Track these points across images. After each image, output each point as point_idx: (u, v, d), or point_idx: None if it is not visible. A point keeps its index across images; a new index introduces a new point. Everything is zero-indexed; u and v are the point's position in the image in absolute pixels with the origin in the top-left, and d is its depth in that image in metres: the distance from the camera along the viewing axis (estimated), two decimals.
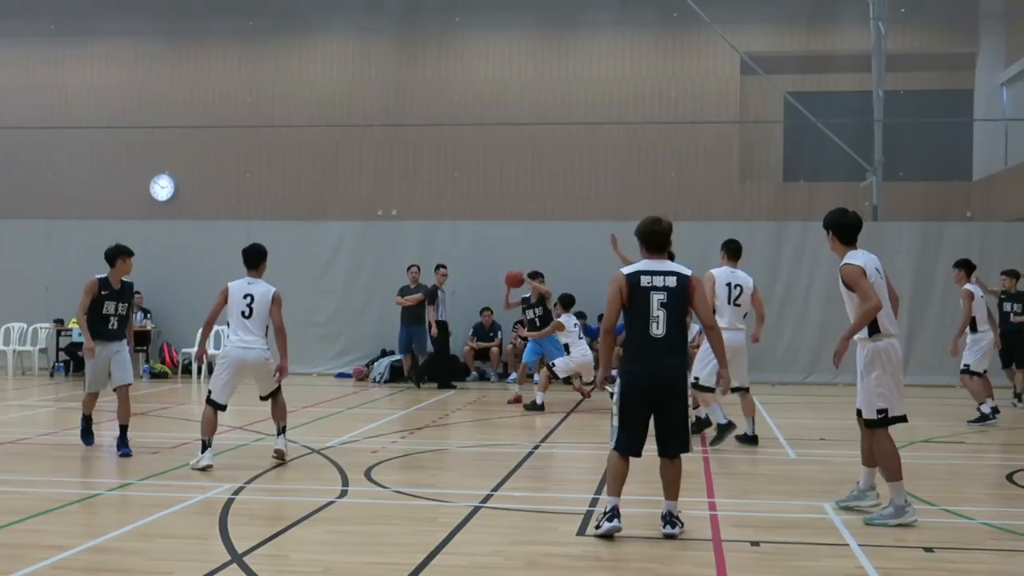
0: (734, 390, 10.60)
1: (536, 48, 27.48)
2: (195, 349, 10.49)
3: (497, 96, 26.95)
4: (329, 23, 27.40)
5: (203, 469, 9.36)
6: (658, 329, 6.88)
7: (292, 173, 26.96)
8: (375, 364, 19.17)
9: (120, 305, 10.33)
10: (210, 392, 9.85)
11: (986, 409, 13.28)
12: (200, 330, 10.40)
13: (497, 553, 6.68)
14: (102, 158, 27.01)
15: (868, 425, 7.69)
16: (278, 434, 10.06)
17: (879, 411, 7.61)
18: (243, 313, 9.95)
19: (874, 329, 7.53)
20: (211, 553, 6.54)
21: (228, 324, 10.14)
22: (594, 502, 8.15)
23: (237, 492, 8.41)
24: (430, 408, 14.99)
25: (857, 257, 7.70)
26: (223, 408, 9.85)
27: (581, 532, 7.25)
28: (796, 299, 19.20)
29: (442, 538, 6.96)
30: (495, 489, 8.65)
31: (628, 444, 7.02)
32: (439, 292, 18.10)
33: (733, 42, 22.78)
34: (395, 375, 18.75)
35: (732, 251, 11.41)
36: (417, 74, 27.26)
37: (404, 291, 18.78)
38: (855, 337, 7.61)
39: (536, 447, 11.13)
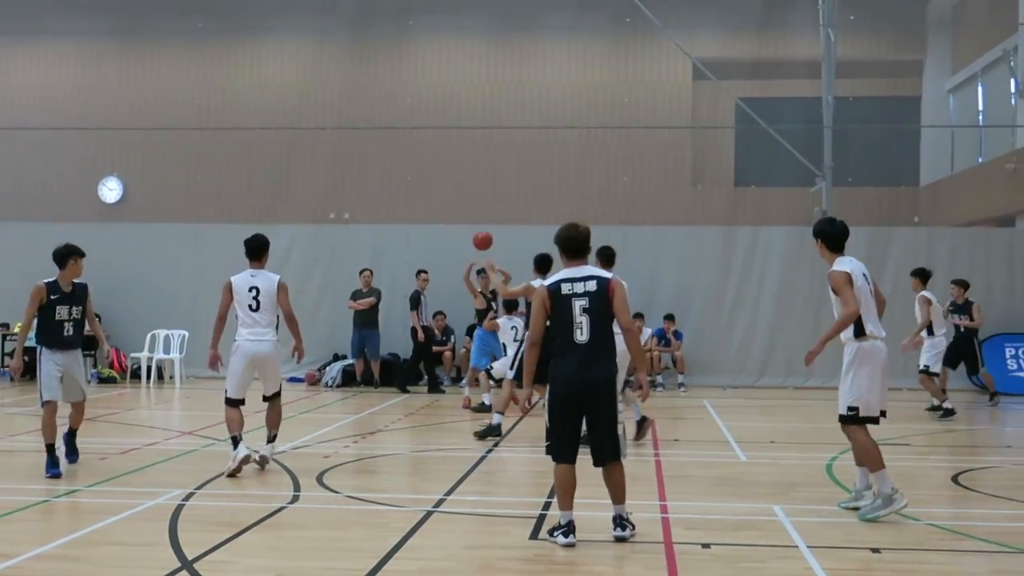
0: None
1: (490, 52, 27.51)
2: (209, 354, 10.19)
3: (451, 100, 26.94)
4: (281, 25, 27.24)
5: (239, 467, 9.32)
6: (582, 335, 6.88)
7: (243, 176, 26.77)
8: (327, 368, 19.06)
9: (74, 309, 9.59)
10: (226, 391, 9.83)
11: (948, 405, 14.15)
12: (212, 335, 10.28)
13: (450, 557, 6.68)
14: (49, 159, 26.64)
15: (840, 420, 7.89)
16: (268, 441, 10.01)
17: (850, 408, 7.80)
18: (250, 306, 9.96)
19: (859, 331, 7.79)
20: (161, 560, 6.47)
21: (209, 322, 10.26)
22: (547, 505, 8.16)
23: (187, 498, 8.33)
24: (383, 412, 14.93)
25: (844, 264, 7.89)
26: (242, 403, 9.80)
27: (534, 536, 7.26)
28: (746, 303, 19.34)
29: (394, 543, 6.94)
30: (448, 493, 8.64)
31: (560, 451, 7.00)
32: (421, 297, 18.00)
33: (685, 48, 22.93)
34: (347, 379, 18.66)
35: (607, 258, 11.25)
36: (370, 77, 27.18)
37: (356, 295, 18.70)
38: (841, 337, 7.84)
39: (489, 451, 11.13)
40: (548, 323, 7.01)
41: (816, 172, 22.21)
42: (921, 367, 14.51)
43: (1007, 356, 18.41)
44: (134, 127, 25.53)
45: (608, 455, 7.02)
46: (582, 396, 6.91)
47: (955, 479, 9.62)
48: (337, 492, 8.71)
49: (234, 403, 9.75)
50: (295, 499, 8.42)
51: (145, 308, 19.78)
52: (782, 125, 23.10)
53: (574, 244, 7.11)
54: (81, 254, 9.77)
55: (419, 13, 26.81)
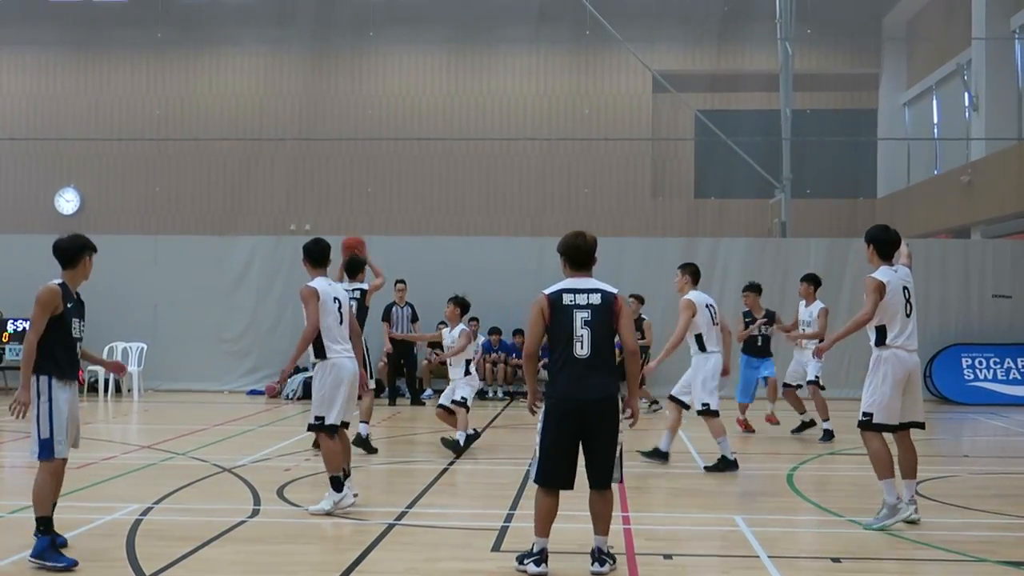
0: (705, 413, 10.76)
1: (450, 64, 27.55)
2: (285, 368, 9.23)
3: (411, 111, 26.96)
4: (240, 36, 27.14)
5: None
6: (582, 349, 6.42)
7: (202, 187, 26.59)
8: (288, 381, 18.93)
9: (82, 324, 7.17)
10: (322, 419, 8.44)
11: (827, 425, 13.15)
12: (295, 352, 9.09)
13: (411, 570, 6.64)
14: (5, 170, 26.36)
15: (858, 425, 8.01)
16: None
17: (864, 413, 7.93)
18: (338, 320, 8.84)
19: (881, 340, 7.89)
20: None
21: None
22: (509, 517, 8.14)
23: (145, 512, 8.23)
24: None
25: (883, 273, 7.95)
26: (346, 426, 8.70)
27: (496, 548, 7.24)
28: None
29: (355, 556, 6.89)
30: (410, 506, 8.60)
31: (549, 475, 6.51)
32: (394, 309, 17.88)
33: (645, 60, 23.08)
34: (308, 392, 18.48)
35: (695, 274, 11.32)
36: (330, 88, 27.13)
37: None
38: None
39: (451, 463, 11.09)
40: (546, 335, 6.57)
41: (775, 184, 22.40)
42: (813, 378, 13.48)
43: (963, 366, 18.62)
44: (91, 138, 25.31)
45: (605, 477, 6.50)
46: (581, 415, 6.42)
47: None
48: (298, 506, 8.64)
49: (335, 430, 8.49)
50: (255, 513, 8.34)
51: (103, 321, 19.44)
52: (741, 137, 23.29)
53: (579, 254, 6.69)
54: (95, 249, 7.26)
55: (379, 25, 26.79)
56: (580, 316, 6.44)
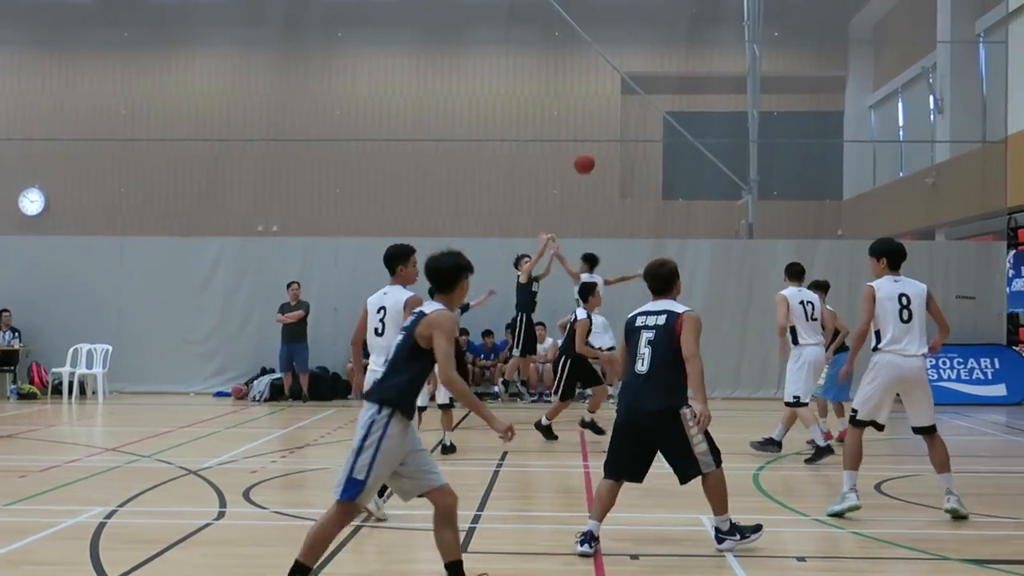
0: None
1: (420, 64, 27.50)
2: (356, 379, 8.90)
3: (380, 112, 26.88)
4: (208, 36, 26.97)
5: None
6: (643, 366, 7.04)
7: (169, 188, 26.40)
8: (255, 382, 18.83)
9: None
10: None
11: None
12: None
13: (379, 572, 6.64)
14: None
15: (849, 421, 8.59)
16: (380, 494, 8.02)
17: (852, 410, 8.47)
18: (376, 331, 8.65)
19: (876, 344, 8.38)
20: None
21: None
22: (476, 518, 8.14)
23: (109, 516, 8.16)
24: (312, 427, 14.79)
25: (879, 281, 8.62)
26: None
27: (464, 549, 7.22)
28: None
29: (322, 559, 6.85)
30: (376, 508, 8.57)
31: (608, 467, 7.20)
32: None
33: (614, 62, 23.14)
34: (276, 393, 18.45)
35: (796, 273, 12.02)
36: (299, 88, 27.01)
37: (284, 308, 18.52)
38: None
39: None
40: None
41: (742, 186, 22.51)
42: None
43: (927, 367, 18.78)
44: (57, 138, 25.05)
45: (690, 473, 7.09)
46: (640, 426, 7.04)
47: (878, 487, 9.78)
48: (264, 508, 8.60)
49: None
50: (221, 515, 8.29)
51: (67, 322, 19.37)
52: (709, 139, 23.39)
53: (655, 282, 7.39)
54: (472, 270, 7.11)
55: (348, 25, 26.70)
56: (646, 336, 7.10)
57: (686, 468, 7.09)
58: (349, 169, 26.37)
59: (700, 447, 7.03)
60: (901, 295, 8.40)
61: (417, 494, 5.99)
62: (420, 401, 11.06)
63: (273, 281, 19.25)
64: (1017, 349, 19.89)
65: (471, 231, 24.39)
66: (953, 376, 18.47)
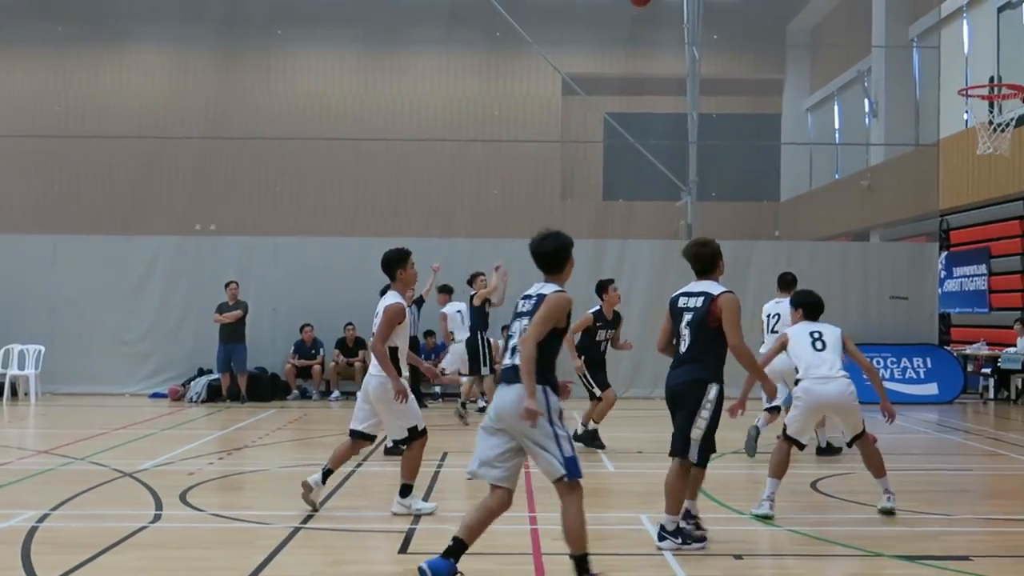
0: None
1: (360, 63, 27.40)
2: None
3: (321, 110, 26.72)
4: (145, 32, 26.64)
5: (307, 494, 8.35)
6: (683, 347, 7.21)
7: (104, 186, 26.01)
8: (192, 383, 18.61)
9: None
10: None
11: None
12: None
13: (317, 574, 6.59)
14: None
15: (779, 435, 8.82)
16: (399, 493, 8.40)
17: (784, 425, 8.87)
18: (372, 333, 8.59)
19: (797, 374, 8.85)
20: None
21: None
22: (416, 519, 8.11)
23: (41, 519, 8.02)
24: (250, 428, 14.65)
25: (791, 329, 9.13)
26: (363, 437, 8.59)
27: (403, 550, 7.21)
28: None
29: (260, 561, 6.80)
30: (316, 509, 8.51)
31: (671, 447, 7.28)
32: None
33: (555, 63, 23.21)
34: (213, 394, 18.24)
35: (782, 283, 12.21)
36: (238, 86, 26.77)
37: (222, 308, 18.32)
38: None
39: (358, 465, 11.01)
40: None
41: (681, 187, 22.69)
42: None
43: None
44: None
45: (676, 449, 7.17)
46: (670, 398, 7.30)
47: (814, 485, 9.92)
48: (201, 510, 8.50)
49: (352, 434, 8.55)
50: (157, 518, 8.18)
51: None
52: (649, 140, 23.55)
53: (697, 262, 7.38)
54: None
55: (288, 23, 26.52)
56: (686, 317, 7.20)
57: (675, 443, 7.16)
58: (289, 168, 26.17)
59: (696, 433, 7.08)
60: (812, 331, 8.88)
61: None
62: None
63: (211, 281, 19.04)
64: (949, 349, 20.28)
65: (412, 230, 24.30)
66: (887, 376, 18.76)
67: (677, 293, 7.42)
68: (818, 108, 29.49)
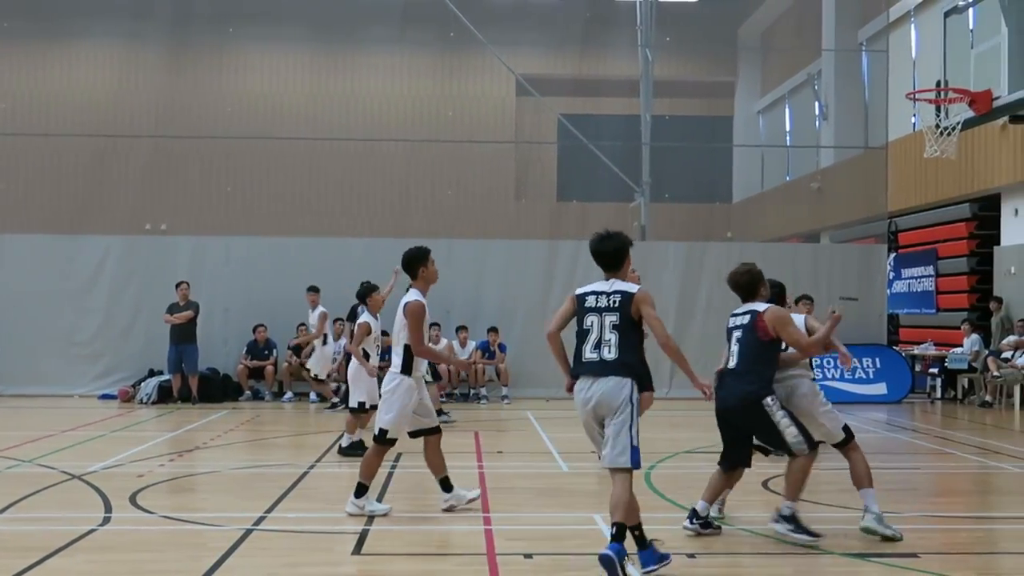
0: None
1: (313, 62, 27.27)
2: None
3: (273, 109, 26.56)
4: (93, 28, 26.32)
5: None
6: (732, 362, 7.61)
7: (52, 184, 25.64)
8: (142, 384, 18.40)
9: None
10: (382, 429, 8.33)
11: None
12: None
13: None
14: None
15: None
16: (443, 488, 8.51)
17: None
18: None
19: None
20: None
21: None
22: (370, 520, 8.08)
23: None
24: (201, 429, 14.51)
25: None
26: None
27: (357, 551, 7.18)
28: None
29: (211, 564, 6.74)
30: (268, 511, 8.46)
31: (721, 458, 7.81)
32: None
33: (509, 63, 23.23)
34: (164, 395, 18.04)
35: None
36: (189, 84, 26.52)
37: (173, 308, 18.14)
38: None
39: (311, 467, 10.95)
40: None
41: (635, 188, 22.81)
42: None
43: (812, 366, 19.25)
44: None
45: (737, 462, 7.79)
46: (730, 416, 7.63)
47: (765, 484, 10.00)
48: (152, 512, 8.41)
49: (413, 435, 8.52)
50: (106, 521, 8.08)
51: None
52: (602, 142, 23.64)
53: (739, 291, 7.82)
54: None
55: (239, 21, 26.30)
56: (735, 335, 7.65)
57: (739, 456, 7.74)
58: (240, 167, 25.99)
59: (790, 430, 7.42)
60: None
61: None
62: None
63: (162, 281, 18.84)
64: (897, 349, 20.55)
65: (364, 231, 24.23)
66: (837, 376, 18.97)
67: (730, 316, 7.85)
68: (769, 111, 29.77)
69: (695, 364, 7.04)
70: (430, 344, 8.56)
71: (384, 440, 8.32)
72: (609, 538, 6.45)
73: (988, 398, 18.23)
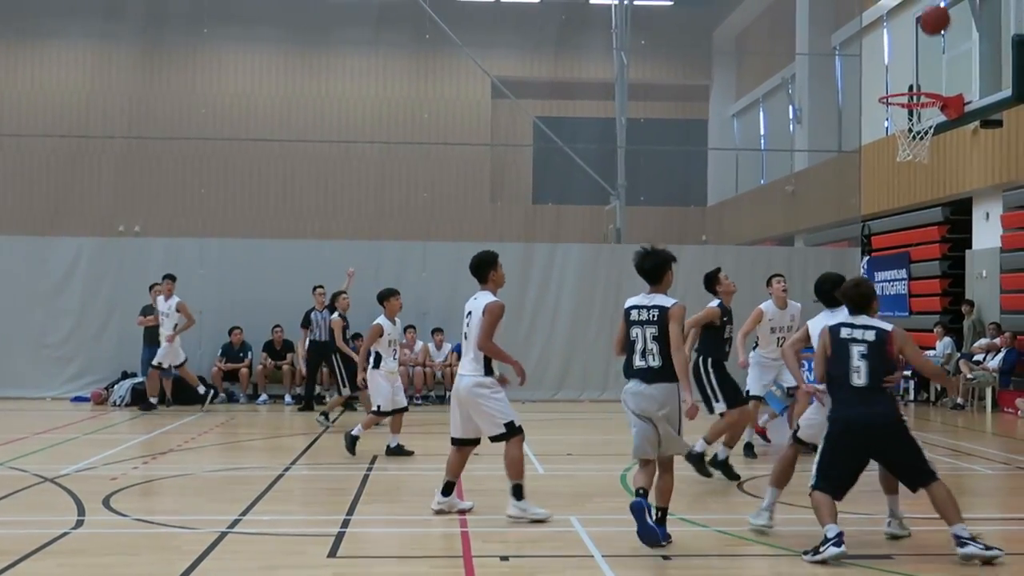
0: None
1: (287, 64, 27.21)
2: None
3: (247, 111, 26.48)
4: (64, 28, 26.16)
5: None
6: (859, 379, 7.24)
7: (24, 185, 25.45)
8: (115, 387, 18.26)
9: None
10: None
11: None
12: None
13: None
14: None
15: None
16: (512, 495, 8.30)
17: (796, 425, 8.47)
18: (464, 334, 8.62)
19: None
20: None
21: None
22: (346, 523, 8.06)
23: None
24: (175, 432, 14.41)
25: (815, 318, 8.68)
26: (466, 443, 8.56)
27: (332, 554, 7.15)
28: (544, 318, 19.62)
29: (185, 567, 6.70)
30: (243, 514, 8.42)
31: (823, 482, 7.22)
32: (314, 314, 17.32)
33: (484, 66, 23.24)
34: (137, 398, 17.89)
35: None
36: (163, 85, 26.41)
37: (147, 310, 18.02)
38: None
39: (286, 469, 10.91)
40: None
41: (610, 191, 22.87)
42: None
43: None
44: None
45: (922, 480, 7.20)
46: (865, 439, 7.20)
47: (740, 486, 10.04)
48: (125, 515, 8.35)
49: (454, 443, 8.53)
50: (79, 524, 8.02)
51: None
52: (577, 145, 23.69)
53: (850, 302, 7.53)
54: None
55: (213, 22, 26.18)
56: (857, 350, 7.30)
57: (916, 476, 7.23)
58: (215, 169, 25.88)
59: (924, 454, 7.29)
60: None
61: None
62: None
63: (135, 283, 18.72)
64: None
65: (339, 233, 24.19)
66: (812, 377, 19.05)
67: (837, 324, 7.53)
68: (744, 114, 29.91)
69: None
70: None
71: (516, 430, 8.26)
72: (654, 522, 7.17)
73: (960, 400, 18.37)
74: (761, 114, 28.87)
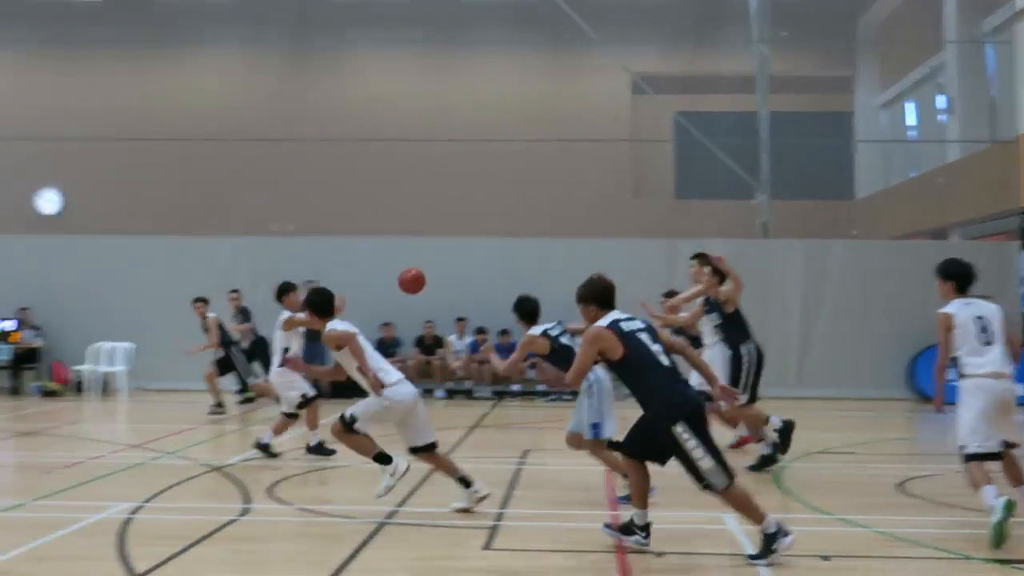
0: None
1: (428, 65, 27.64)
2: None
3: (389, 112, 27.07)
4: (218, 35, 27.31)
5: None
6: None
7: (177, 186, 26.53)
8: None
9: None
10: None
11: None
12: None
13: (403, 569, 6.66)
14: None
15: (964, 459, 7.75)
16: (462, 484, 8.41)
17: (959, 446, 7.76)
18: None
19: (961, 371, 8.06)
20: (108, 574, 6.37)
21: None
22: (499, 516, 8.15)
23: (135, 511, 8.19)
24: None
25: (952, 306, 8.43)
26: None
27: (487, 546, 7.25)
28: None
29: (347, 555, 6.88)
30: (400, 505, 8.60)
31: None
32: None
33: (622, 62, 23.14)
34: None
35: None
36: (309, 88, 27.26)
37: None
38: None
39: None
40: None
41: (754, 185, 22.51)
42: None
43: None
44: (72, 137, 25.11)
45: None
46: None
47: (900, 486, 9.78)
48: (289, 504, 8.64)
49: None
50: (245, 512, 8.33)
51: (86, 320, 19.41)
52: (719, 139, 23.38)
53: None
54: None
55: (357, 26, 26.81)
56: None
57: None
58: (359, 169, 26.53)
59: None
60: (978, 317, 8.14)
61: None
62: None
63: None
64: None
65: (480, 230, 24.36)
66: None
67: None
68: (891, 105, 29.04)
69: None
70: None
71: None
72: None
73: None
74: (909, 105, 27.99)
